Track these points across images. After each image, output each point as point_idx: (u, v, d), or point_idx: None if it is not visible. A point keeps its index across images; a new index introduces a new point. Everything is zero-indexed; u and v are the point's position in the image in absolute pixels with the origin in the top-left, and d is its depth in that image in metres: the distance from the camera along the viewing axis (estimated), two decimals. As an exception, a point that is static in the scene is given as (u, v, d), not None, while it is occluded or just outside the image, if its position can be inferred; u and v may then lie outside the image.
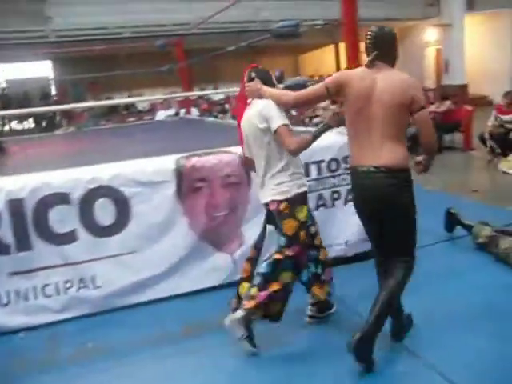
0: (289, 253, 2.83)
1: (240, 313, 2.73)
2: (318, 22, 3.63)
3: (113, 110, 16.47)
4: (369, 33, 2.62)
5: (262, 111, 2.79)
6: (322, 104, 12.10)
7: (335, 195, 3.86)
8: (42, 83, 18.82)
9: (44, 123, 16.24)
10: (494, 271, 3.68)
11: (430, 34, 18.94)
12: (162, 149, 4.16)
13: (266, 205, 2.93)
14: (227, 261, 3.67)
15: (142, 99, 11.60)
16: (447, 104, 8.96)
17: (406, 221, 2.61)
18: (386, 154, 2.54)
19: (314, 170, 3.75)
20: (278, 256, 2.83)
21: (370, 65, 2.60)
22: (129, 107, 16.68)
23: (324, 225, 3.76)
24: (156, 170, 3.50)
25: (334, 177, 3.83)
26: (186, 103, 9.79)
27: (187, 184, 3.54)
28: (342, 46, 18.40)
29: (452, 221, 4.43)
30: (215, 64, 21.32)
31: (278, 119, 2.76)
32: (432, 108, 9.21)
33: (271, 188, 2.85)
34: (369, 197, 2.61)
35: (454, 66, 17.40)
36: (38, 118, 16.61)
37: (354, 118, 2.61)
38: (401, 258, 2.63)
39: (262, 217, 3.19)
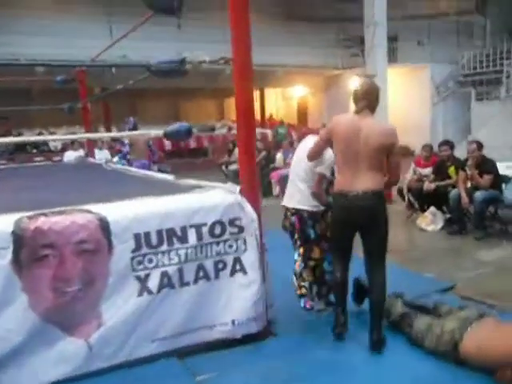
0: None
1: None
2: (205, 59, 3.05)
3: (20, 148, 15.21)
4: (360, 84, 3.39)
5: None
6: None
7: (220, 265, 3.23)
8: None
9: None
10: (404, 359, 3.15)
11: (354, 83, 19.23)
12: (18, 202, 3.42)
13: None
14: (81, 347, 2.92)
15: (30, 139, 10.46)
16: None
17: (386, 228, 3.31)
18: (371, 181, 3.19)
19: (192, 234, 3.12)
20: None
21: (360, 112, 3.25)
22: (39, 146, 15.48)
23: (205, 301, 3.16)
24: (-14, 233, 2.74)
25: (218, 243, 3.21)
26: (90, 145, 8.98)
27: (29, 251, 2.79)
28: (267, 91, 18.29)
29: (361, 291, 3.87)
30: (136, 102, 20.69)
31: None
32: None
33: None
34: (357, 212, 3.22)
35: (376, 116, 17.52)
36: None
37: (342, 155, 3.25)
38: (382, 259, 3.35)
39: (126, 291, 2.88)
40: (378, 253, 3.33)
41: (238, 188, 3.27)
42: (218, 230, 3.19)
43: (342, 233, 3.40)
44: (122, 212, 3.00)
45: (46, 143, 15.40)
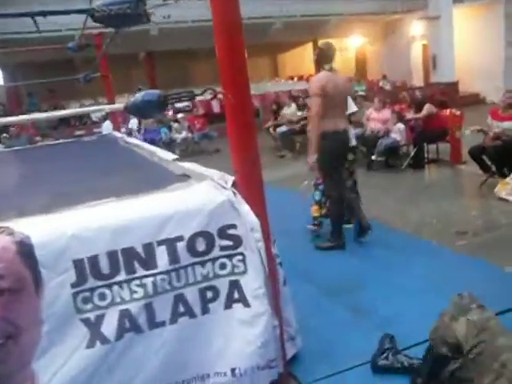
0: None
1: None
2: None
3: (64, 120, 14.75)
4: (325, 46, 4.37)
5: None
6: (289, 112, 10.56)
7: (208, 295, 2.23)
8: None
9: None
10: None
11: (415, 28, 17.32)
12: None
13: None
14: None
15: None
16: (427, 108, 7.33)
17: None
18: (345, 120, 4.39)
19: (162, 255, 2.13)
20: None
21: (331, 70, 4.19)
22: (82, 117, 14.95)
23: (191, 346, 2.20)
24: None
25: (203, 264, 2.20)
26: (114, 115, 8.14)
27: None
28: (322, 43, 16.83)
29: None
30: (185, 65, 19.74)
31: None
32: (409, 115, 7.60)
33: None
34: (346, 144, 4.32)
35: (442, 61, 15.85)
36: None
37: (329, 103, 4.05)
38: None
39: (70, 341, 2.02)
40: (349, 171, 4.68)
41: (230, 180, 2.23)
42: (201, 246, 2.18)
43: (336, 162, 4.31)
44: (55, 228, 2.04)
45: (88, 115, 14.84)
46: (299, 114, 10.10)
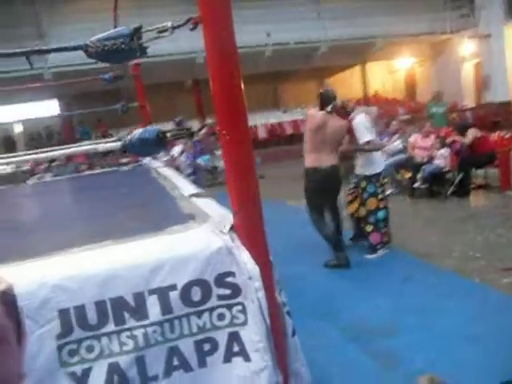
0: None
1: None
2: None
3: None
4: (325, 93, 4.93)
5: None
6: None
7: (205, 347, 2.05)
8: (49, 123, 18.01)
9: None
10: None
11: (466, 48, 16.78)
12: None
13: None
14: None
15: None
16: (472, 133, 6.94)
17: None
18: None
19: (154, 304, 1.98)
20: None
21: (329, 112, 4.73)
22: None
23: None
24: None
25: (199, 314, 2.03)
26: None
27: None
28: (370, 66, 16.52)
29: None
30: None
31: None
32: (455, 138, 7.23)
33: None
34: (327, 181, 4.58)
35: (495, 80, 15.24)
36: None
37: (314, 138, 4.68)
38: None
39: None
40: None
41: (228, 224, 2.07)
42: (197, 295, 2.01)
43: (318, 199, 4.75)
44: (40, 277, 1.93)
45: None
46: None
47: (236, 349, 2.06)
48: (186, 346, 2.02)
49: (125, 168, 7.13)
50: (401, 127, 8.19)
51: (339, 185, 4.73)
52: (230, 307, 2.04)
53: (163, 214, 2.61)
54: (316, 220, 4.60)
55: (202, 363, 2.05)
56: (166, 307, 1.97)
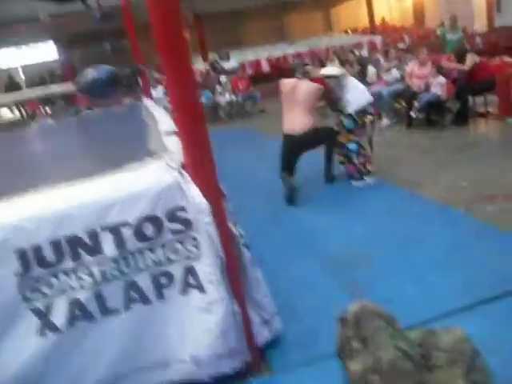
0: None
1: None
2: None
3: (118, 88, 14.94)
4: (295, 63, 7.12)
5: None
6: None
7: (162, 280, 2.13)
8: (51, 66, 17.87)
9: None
10: None
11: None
12: None
13: None
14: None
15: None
16: (469, 58, 6.71)
17: None
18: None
19: (108, 241, 2.04)
20: None
21: (299, 78, 4.96)
22: (132, 84, 15.09)
23: (149, 333, 2.13)
24: None
25: (153, 249, 2.09)
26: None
27: None
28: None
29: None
30: (236, 26, 19.33)
31: None
32: (452, 65, 7.01)
33: None
34: (299, 146, 4.82)
35: (507, 3, 14.50)
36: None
37: (287, 103, 4.93)
38: None
39: (20, 329, 2.02)
40: None
41: (178, 160, 2.08)
42: (149, 230, 2.07)
43: None
44: (-4, 218, 1.99)
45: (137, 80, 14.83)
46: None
47: (191, 281, 2.13)
48: (143, 280, 2.10)
49: (119, 109, 7.11)
50: (399, 56, 7.94)
51: (317, 140, 4.93)
52: (182, 241, 2.09)
53: (128, 153, 2.61)
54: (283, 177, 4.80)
55: (160, 295, 2.13)
56: (119, 243, 2.04)
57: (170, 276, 2.13)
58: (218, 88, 11.66)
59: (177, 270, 2.13)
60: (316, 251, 3.51)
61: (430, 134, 6.52)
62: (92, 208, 2.01)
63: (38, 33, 14.74)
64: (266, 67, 15.67)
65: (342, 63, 9.73)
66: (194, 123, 2.00)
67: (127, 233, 2.04)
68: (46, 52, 17.69)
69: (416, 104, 6.72)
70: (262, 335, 2.39)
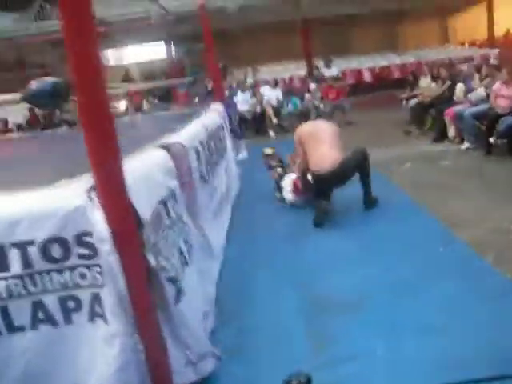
0: None
1: None
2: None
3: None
4: None
5: None
6: (424, 84, 9.49)
7: (70, 304, 2.05)
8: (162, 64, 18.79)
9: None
10: None
11: None
12: None
13: None
14: None
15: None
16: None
17: None
18: None
19: (15, 258, 1.99)
20: None
21: None
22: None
23: (53, 357, 2.07)
24: None
25: (61, 271, 2.01)
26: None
27: None
28: (498, 3, 14.43)
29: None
30: (345, 32, 18.87)
31: None
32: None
33: None
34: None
35: None
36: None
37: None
38: None
39: None
40: None
41: (88, 183, 1.98)
42: (56, 251, 1.99)
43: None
44: None
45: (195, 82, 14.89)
46: (433, 86, 8.95)
47: (98, 310, 2.03)
48: (51, 302, 2.04)
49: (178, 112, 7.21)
50: (490, 73, 7.16)
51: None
52: (89, 267, 2.00)
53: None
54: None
55: (68, 320, 2.06)
56: (26, 261, 1.99)
57: (78, 301, 2.04)
58: (307, 95, 11.45)
59: (85, 296, 2.03)
60: (305, 288, 3.23)
61: (508, 165, 5.80)
62: (1, 222, 1.98)
63: (151, 33, 15.54)
64: (367, 77, 15.16)
65: (434, 79, 9.09)
66: (104, 143, 1.89)
67: (34, 251, 1.98)
68: (158, 51, 18.61)
69: (498, 128, 6.02)
70: (185, 376, 2.23)
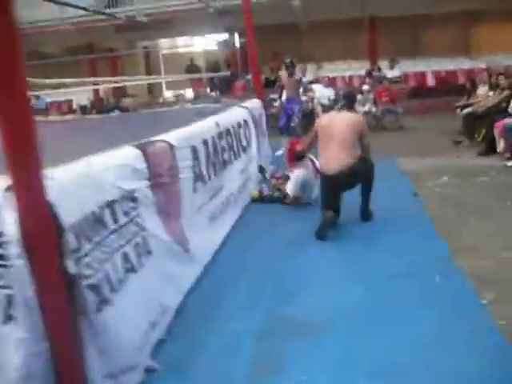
0: None
1: None
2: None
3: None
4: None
5: None
6: (481, 92, 8.91)
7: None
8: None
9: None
10: None
11: None
12: None
13: None
14: None
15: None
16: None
17: None
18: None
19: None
20: None
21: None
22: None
23: None
24: None
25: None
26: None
27: None
28: None
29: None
30: (413, 32, 18.08)
31: None
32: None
33: None
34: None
35: None
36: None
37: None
38: None
39: None
40: None
41: (6, 183, 1.92)
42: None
43: None
44: None
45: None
46: (490, 94, 8.35)
47: (11, 312, 1.98)
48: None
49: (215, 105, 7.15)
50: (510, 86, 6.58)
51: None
52: (5, 268, 1.94)
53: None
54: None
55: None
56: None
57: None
58: (359, 97, 11.04)
59: (0, 297, 1.99)
60: (276, 305, 3.06)
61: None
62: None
63: (215, 24, 15.56)
64: (430, 81, 14.47)
65: (492, 87, 8.50)
66: (22, 143, 1.82)
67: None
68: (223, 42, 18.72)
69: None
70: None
